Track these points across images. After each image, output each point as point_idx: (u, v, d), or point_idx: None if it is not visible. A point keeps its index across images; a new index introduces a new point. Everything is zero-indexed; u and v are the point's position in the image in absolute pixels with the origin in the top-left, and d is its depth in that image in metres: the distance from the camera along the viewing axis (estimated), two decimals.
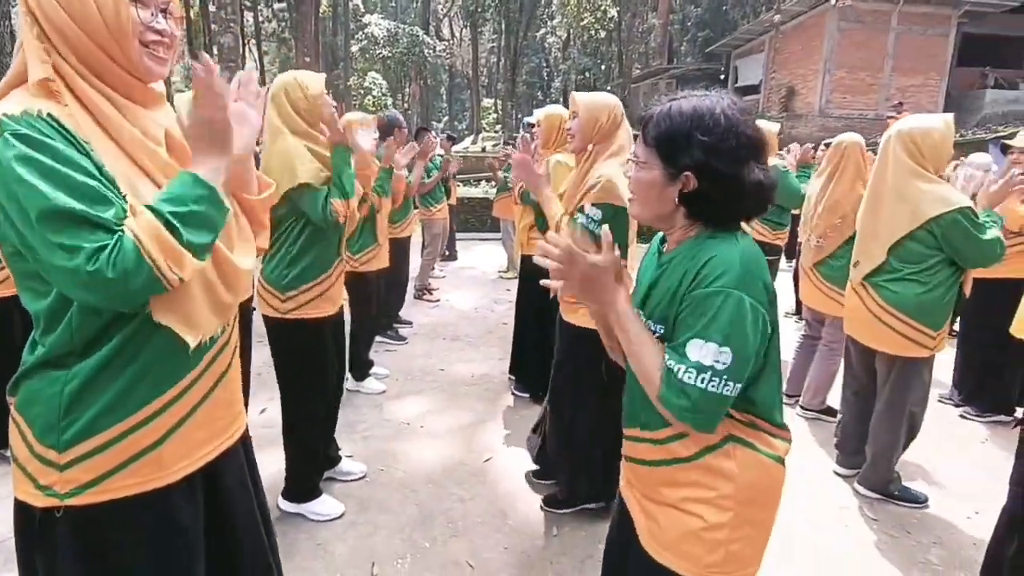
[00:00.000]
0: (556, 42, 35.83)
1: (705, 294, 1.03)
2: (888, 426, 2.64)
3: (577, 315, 2.37)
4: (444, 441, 3.23)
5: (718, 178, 1.07)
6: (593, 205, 2.18)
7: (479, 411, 3.62)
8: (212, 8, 14.80)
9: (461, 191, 10.13)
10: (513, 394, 3.85)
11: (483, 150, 19.80)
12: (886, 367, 2.63)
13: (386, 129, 4.27)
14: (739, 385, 1.04)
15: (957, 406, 3.73)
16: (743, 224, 1.16)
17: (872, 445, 2.72)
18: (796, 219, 4.80)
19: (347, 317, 2.75)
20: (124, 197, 0.99)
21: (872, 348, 2.65)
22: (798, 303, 5.00)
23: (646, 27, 29.60)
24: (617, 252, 1.11)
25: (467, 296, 6.35)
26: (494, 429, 3.39)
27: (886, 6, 16.73)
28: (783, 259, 5.30)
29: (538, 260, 1.09)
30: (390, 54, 28.46)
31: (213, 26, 14.88)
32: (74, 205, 0.91)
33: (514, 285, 4.10)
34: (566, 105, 2.57)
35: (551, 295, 2.54)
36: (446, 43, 36.94)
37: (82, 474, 1.05)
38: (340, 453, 2.82)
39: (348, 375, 3.78)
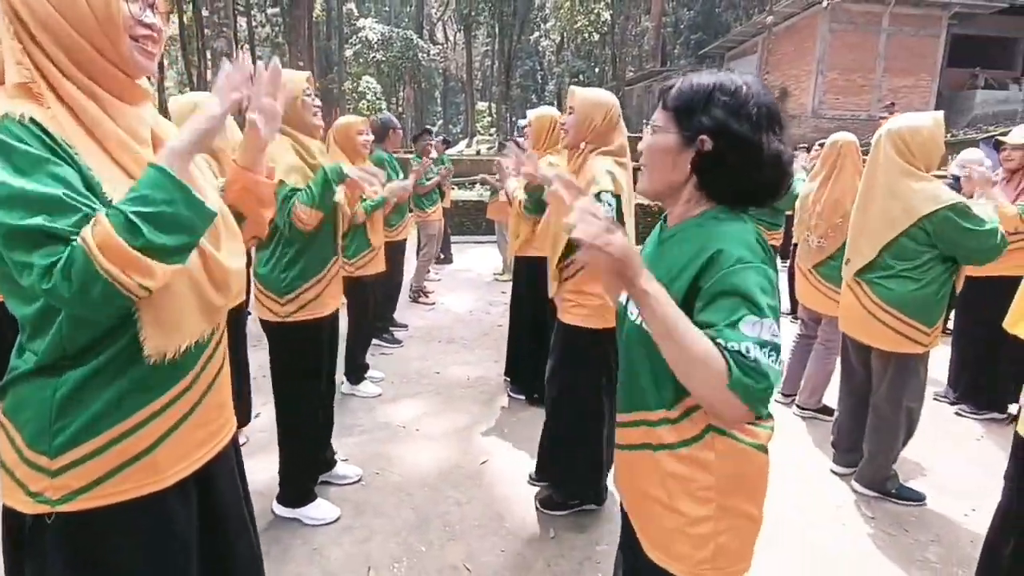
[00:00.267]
0: (550, 45, 35.97)
1: (737, 270, 0.99)
2: (885, 423, 2.65)
3: (573, 315, 2.37)
4: (440, 444, 3.22)
5: (737, 142, 1.04)
6: (604, 191, 2.15)
7: (475, 414, 3.61)
8: (205, 12, 14.80)
9: (456, 194, 10.15)
10: (509, 396, 3.84)
11: (478, 153, 19.84)
12: (882, 364, 2.64)
13: (380, 131, 4.27)
14: None
15: (952, 404, 3.74)
16: None
17: (869, 442, 2.73)
18: (789, 220, 4.82)
19: (343, 319, 2.73)
20: (111, 202, 0.96)
21: (867, 345, 2.66)
22: (793, 303, 5.01)
23: (639, 30, 29.75)
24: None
25: (463, 299, 6.34)
26: (490, 432, 3.38)
27: (877, 8, 16.86)
28: (778, 260, 5.31)
29: (577, 233, 0.96)
30: (384, 58, 28.49)
31: (206, 31, 14.87)
32: (27, 222, 0.87)
33: (509, 287, 4.09)
34: (560, 108, 2.56)
35: (550, 295, 2.52)
36: (440, 47, 36.97)
37: (74, 480, 1.03)
38: (335, 457, 2.80)
39: (344, 379, 3.78)
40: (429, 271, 6.53)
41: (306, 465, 2.52)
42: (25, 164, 0.90)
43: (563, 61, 33.61)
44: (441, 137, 7.72)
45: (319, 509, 2.49)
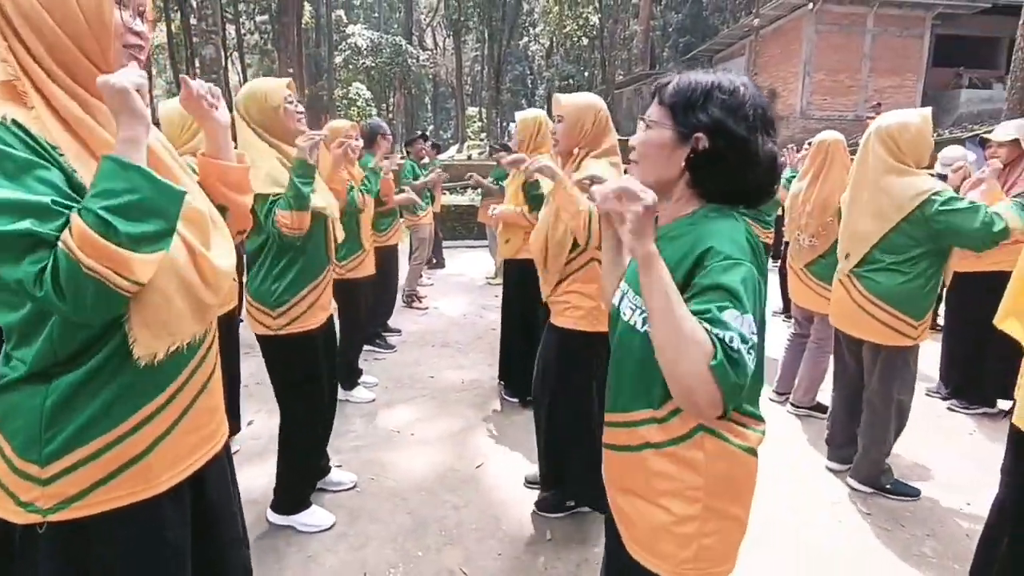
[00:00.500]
0: (539, 50, 36.11)
1: (724, 266, 0.99)
2: (877, 416, 2.67)
3: (567, 318, 2.37)
4: (435, 448, 3.20)
5: (732, 140, 1.05)
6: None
7: (469, 417, 3.60)
8: (193, 20, 14.75)
9: (447, 199, 10.13)
10: (503, 399, 3.83)
11: (469, 158, 19.80)
12: (872, 357, 2.66)
13: (369, 137, 4.26)
14: None
15: (944, 399, 3.76)
16: None
17: (863, 436, 2.75)
18: (780, 219, 4.86)
19: (336, 326, 2.72)
20: None
21: (858, 338, 2.68)
22: (785, 302, 5.04)
23: (628, 34, 29.91)
24: None
25: (455, 303, 6.33)
26: (485, 435, 3.37)
27: (861, 9, 17.02)
28: (769, 259, 5.34)
29: (621, 182, 0.99)
30: (373, 64, 28.47)
31: (195, 38, 14.81)
32: (14, 227, 0.86)
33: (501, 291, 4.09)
34: (550, 112, 2.56)
35: (544, 299, 2.50)
36: (429, 52, 37.00)
37: (66, 488, 1.02)
38: (330, 463, 2.78)
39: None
40: (421, 276, 6.52)
41: (304, 471, 2.51)
42: (10, 168, 0.88)
43: (552, 65, 33.73)
44: (430, 143, 7.72)
45: (314, 516, 2.47)
